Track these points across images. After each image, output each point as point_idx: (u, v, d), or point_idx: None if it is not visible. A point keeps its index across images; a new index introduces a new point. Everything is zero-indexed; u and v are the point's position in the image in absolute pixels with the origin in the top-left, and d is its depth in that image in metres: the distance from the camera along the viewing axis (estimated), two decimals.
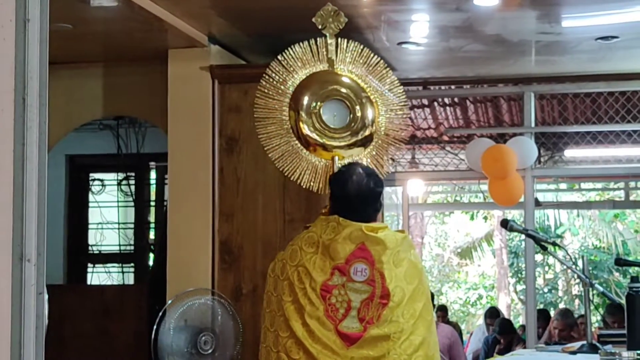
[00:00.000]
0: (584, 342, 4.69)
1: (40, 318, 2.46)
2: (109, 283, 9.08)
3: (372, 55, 4.65)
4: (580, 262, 4.86)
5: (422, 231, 21.33)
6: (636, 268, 5.59)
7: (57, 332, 7.45)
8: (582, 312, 14.50)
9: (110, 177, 9.24)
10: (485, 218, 20.96)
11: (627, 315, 4.33)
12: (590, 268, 16.79)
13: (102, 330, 7.58)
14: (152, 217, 9.23)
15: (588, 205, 16.51)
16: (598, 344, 4.66)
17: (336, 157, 4.59)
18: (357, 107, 4.59)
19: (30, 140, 2.49)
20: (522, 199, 8.79)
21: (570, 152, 9.86)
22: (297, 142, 4.69)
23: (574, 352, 4.61)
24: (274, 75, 4.70)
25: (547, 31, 6.80)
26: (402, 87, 4.71)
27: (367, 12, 6.26)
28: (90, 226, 9.18)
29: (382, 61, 4.67)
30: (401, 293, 4.06)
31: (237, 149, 6.62)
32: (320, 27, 4.71)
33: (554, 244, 4.89)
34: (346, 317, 4.08)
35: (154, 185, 9.28)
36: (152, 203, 9.25)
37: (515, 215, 14.42)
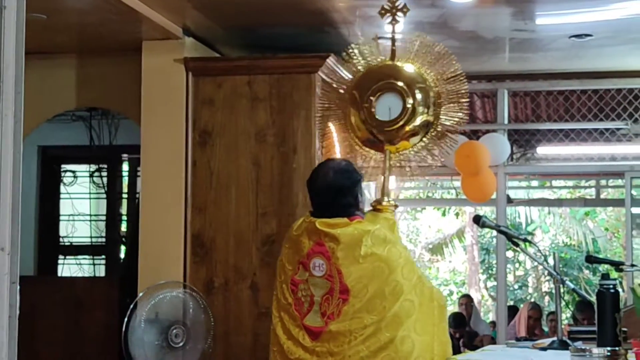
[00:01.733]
0: (555, 338, 4.73)
1: (14, 307, 2.44)
2: (79, 275, 9.04)
3: (436, 44, 4.65)
4: (551, 259, 4.88)
5: None
6: (606, 266, 5.62)
7: (28, 323, 7.40)
8: (552, 309, 14.56)
9: (83, 169, 9.20)
10: (457, 214, 20.99)
11: (598, 312, 4.35)
12: (560, 265, 16.85)
13: (72, 322, 7.55)
14: (124, 210, 9.20)
15: (559, 202, 16.59)
16: (568, 341, 4.69)
17: (388, 150, 4.61)
18: (410, 99, 4.59)
19: (6, 129, 2.47)
20: (494, 196, 8.82)
21: (542, 150, 9.89)
22: (353, 136, 4.73)
23: (544, 348, 4.64)
24: (335, 72, 4.77)
25: (521, 28, 6.83)
26: (464, 76, 4.68)
27: (342, 7, 6.26)
28: (61, 218, 9.14)
29: (446, 49, 4.66)
30: (363, 289, 4.03)
31: (210, 142, 6.60)
32: (384, 19, 4.74)
33: (526, 241, 4.92)
34: (310, 311, 4.14)
35: (126, 178, 9.25)
36: (124, 195, 9.21)
37: (486, 211, 14.46)
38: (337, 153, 7.22)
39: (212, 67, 6.76)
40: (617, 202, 14.28)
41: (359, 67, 4.81)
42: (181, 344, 6.09)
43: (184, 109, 6.63)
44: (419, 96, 4.60)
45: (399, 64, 4.68)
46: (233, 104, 6.59)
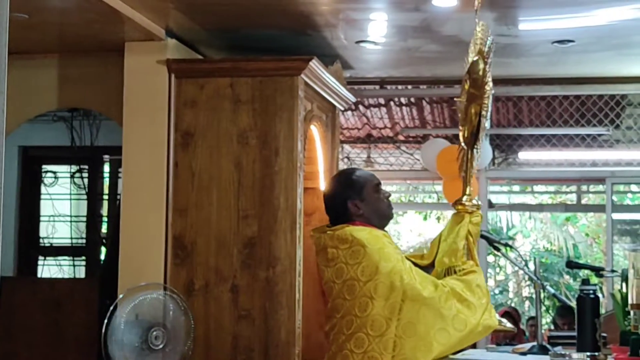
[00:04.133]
0: (534, 343, 4.74)
1: None
2: (59, 276, 9.01)
3: (491, 37, 4.64)
4: (531, 264, 4.90)
5: None
6: (586, 271, 5.66)
7: (7, 324, 7.39)
8: (533, 314, 14.58)
9: (64, 170, 9.18)
10: (439, 218, 21.00)
11: (578, 317, 4.38)
12: (541, 270, 16.82)
13: (52, 324, 7.52)
14: (104, 211, 9.18)
15: (540, 207, 16.63)
16: (548, 346, 4.70)
17: (467, 149, 4.68)
18: (463, 97, 4.61)
19: None
20: None
21: (524, 155, 9.93)
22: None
23: (524, 353, 4.65)
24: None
25: (504, 33, 6.84)
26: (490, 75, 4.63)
27: (326, 10, 6.25)
28: (42, 218, 9.11)
29: (492, 42, 4.64)
30: (331, 290, 4.16)
31: (192, 143, 6.58)
32: (477, 19, 4.74)
33: (507, 245, 4.93)
34: None
35: (108, 179, 9.22)
36: (105, 196, 9.19)
37: None
38: (320, 156, 7.23)
39: (194, 69, 6.73)
40: (598, 208, 14.32)
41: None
42: (161, 346, 6.06)
43: (166, 110, 6.61)
44: (469, 93, 4.60)
45: (475, 59, 4.65)
46: (215, 106, 6.57)
